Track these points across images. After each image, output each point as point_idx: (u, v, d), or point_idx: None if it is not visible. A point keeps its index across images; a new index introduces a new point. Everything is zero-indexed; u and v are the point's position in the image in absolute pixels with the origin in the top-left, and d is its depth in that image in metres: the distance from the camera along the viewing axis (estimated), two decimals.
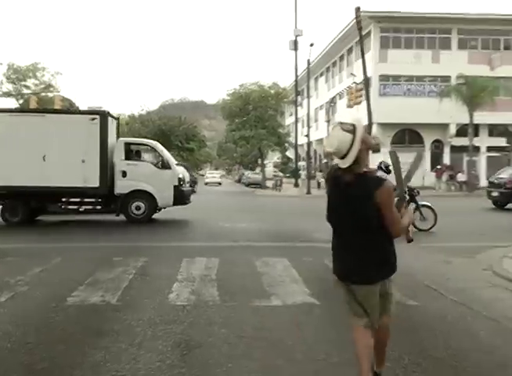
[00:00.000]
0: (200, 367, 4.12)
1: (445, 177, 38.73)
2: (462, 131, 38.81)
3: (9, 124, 14.80)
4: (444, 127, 40.64)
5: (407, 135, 41.68)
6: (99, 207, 15.79)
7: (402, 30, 41.05)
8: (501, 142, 41.17)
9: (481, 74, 36.46)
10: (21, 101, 48.23)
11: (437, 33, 41.30)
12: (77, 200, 15.58)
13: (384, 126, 39.79)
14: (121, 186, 15.53)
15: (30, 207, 15.27)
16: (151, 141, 18.06)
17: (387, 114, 38.65)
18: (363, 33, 41.83)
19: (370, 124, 30.50)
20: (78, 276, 7.44)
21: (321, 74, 56.33)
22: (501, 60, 40.91)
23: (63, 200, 15.38)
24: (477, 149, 39.74)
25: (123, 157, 15.77)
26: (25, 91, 48.56)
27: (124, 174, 15.59)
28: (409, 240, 3.84)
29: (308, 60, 35.41)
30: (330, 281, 7.20)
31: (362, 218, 3.32)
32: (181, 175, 16.12)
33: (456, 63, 39.34)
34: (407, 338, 5.05)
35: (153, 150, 16.83)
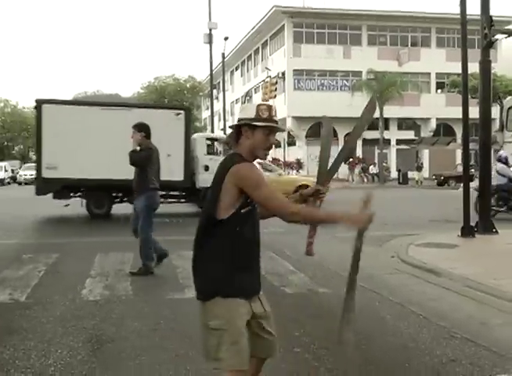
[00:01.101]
0: (112, 361, 4.11)
1: (357, 169, 40.06)
2: (373, 124, 40.21)
3: (98, 117, 14.77)
4: (356, 120, 41.85)
5: (321, 129, 42.68)
6: (182, 199, 16.63)
7: (314, 26, 41.95)
8: (409, 135, 43.08)
9: (390, 70, 37.99)
10: None
11: (348, 29, 42.56)
12: (163, 193, 15.19)
13: (298, 119, 40.60)
14: (203, 180, 15.56)
15: (114, 200, 15.60)
16: None
17: (302, 108, 39.46)
18: (277, 27, 42.59)
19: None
20: None
21: (236, 68, 56.63)
22: (408, 56, 42.77)
23: None
24: (387, 142, 41.35)
25: (205, 152, 16.54)
26: None
27: (207, 168, 15.94)
28: (308, 253, 3.18)
29: (223, 54, 35.46)
30: None
31: None
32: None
33: (366, 58, 40.71)
34: (316, 324, 5.26)
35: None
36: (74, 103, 20.00)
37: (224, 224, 2.62)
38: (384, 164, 38.97)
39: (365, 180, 39.28)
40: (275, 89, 34.32)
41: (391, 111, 38.09)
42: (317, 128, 42.09)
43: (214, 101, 42.57)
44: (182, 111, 15.99)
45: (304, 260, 8.50)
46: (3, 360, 4.15)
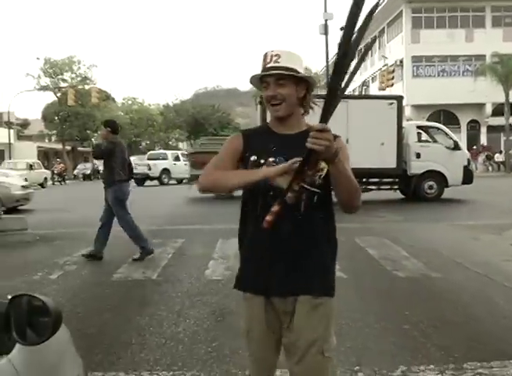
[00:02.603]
0: (233, 331, 4.53)
1: (481, 158, 38.33)
2: (498, 110, 38.26)
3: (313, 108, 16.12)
4: (480, 107, 40.08)
5: (442, 116, 41.18)
6: (395, 186, 17.10)
7: (434, 10, 40.53)
8: None
9: None
10: (59, 94, 49.43)
11: (470, 11, 40.65)
12: (377, 180, 16.65)
13: (418, 108, 39.51)
14: (415, 167, 16.63)
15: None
16: (438, 124, 19.84)
17: (422, 96, 38.37)
18: (395, 14, 41.64)
19: None
20: (121, 256, 7.96)
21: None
22: None
23: (364, 180, 16.18)
24: None
25: (416, 140, 17.11)
26: (62, 84, 49.72)
27: (418, 155, 16.67)
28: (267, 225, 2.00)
29: (339, 44, 35.30)
30: (359, 259, 7.61)
31: None
32: (469, 156, 17.75)
33: (490, 41, 38.69)
34: (427, 305, 5.39)
35: (442, 131, 17.89)
36: None
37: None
38: (511, 152, 36.98)
39: (491, 169, 37.52)
40: (393, 78, 33.66)
41: None
42: (438, 116, 40.76)
43: None
44: (394, 100, 16.36)
45: (417, 246, 8.61)
46: (140, 327, 4.74)
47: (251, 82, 2.30)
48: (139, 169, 29.10)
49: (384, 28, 44.84)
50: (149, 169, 30.86)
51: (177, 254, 8.23)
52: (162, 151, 38.88)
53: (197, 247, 8.88)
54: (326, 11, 31.89)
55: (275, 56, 2.20)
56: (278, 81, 2.18)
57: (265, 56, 2.23)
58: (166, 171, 30.94)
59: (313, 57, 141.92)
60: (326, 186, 2.18)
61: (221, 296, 5.67)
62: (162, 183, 30.66)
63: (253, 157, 2.24)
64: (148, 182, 31.16)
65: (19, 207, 16.11)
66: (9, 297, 1.59)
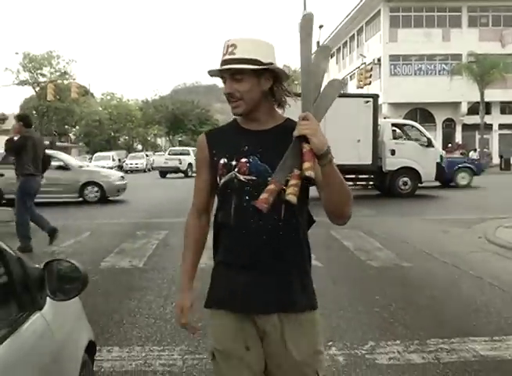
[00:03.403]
0: None
1: (456, 155, 39.11)
2: (474, 109, 39.04)
3: (294, 106, 16.38)
4: (455, 105, 40.82)
5: (419, 114, 41.90)
6: (370, 182, 17.56)
7: (411, 9, 41.15)
8: None
9: (493, 52, 36.58)
10: (38, 89, 49.16)
11: (447, 11, 41.33)
12: (353, 176, 16.80)
13: (395, 106, 40.12)
14: (390, 163, 17.09)
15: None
16: (412, 121, 20.28)
17: (399, 94, 38.98)
18: (373, 13, 42.22)
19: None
20: (107, 247, 8.27)
21: (331, 56, 56.56)
22: None
23: None
24: (489, 127, 39.97)
25: (391, 137, 17.45)
26: (41, 79, 49.47)
27: (393, 152, 17.11)
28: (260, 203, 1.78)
29: (318, 42, 35.76)
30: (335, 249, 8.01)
31: None
32: (443, 153, 18.21)
33: (466, 41, 39.40)
34: (397, 291, 5.82)
35: (416, 129, 18.36)
36: None
37: None
38: (486, 150, 37.81)
39: None
40: (370, 76, 34.22)
41: (493, 95, 36.84)
42: (414, 114, 41.45)
43: None
44: (370, 99, 16.75)
45: (390, 238, 9.05)
46: (130, 309, 5.10)
47: (212, 76, 2.05)
48: (170, 163, 33.93)
49: (362, 27, 45.39)
50: (180, 163, 34.03)
51: (161, 245, 8.55)
52: (184, 148, 41.40)
53: (180, 238, 9.19)
54: (305, 9, 32.34)
55: (231, 46, 1.92)
56: (234, 76, 1.92)
57: (224, 46, 1.95)
58: (190, 165, 33.61)
59: (293, 55, 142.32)
60: (307, 190, 1.98)
61: (205, 282, 5.99)
62: (187, 176, 33.00)
63: (222, 160, 1.99)
64: (172, 175, 33.77)
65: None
66: (44, 262, 1.93)
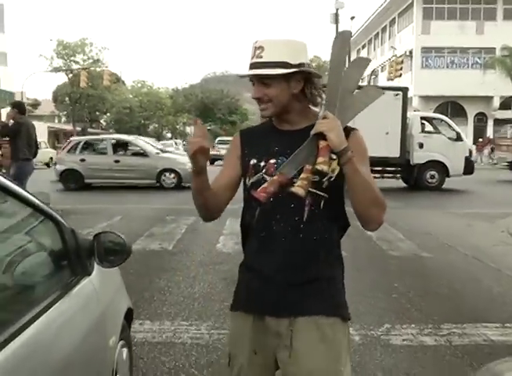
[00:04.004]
0: None
1: (487, 150, 38.74)
2: (506, 103, 38.58)
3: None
4: (487, 99, 40.36)
5: (450, 108, 41.52)
6: (398, 175, 17.65)
7: (445, 1, 40.70)
8: None
9: None
10: (70, 76, 50.01)
11: (482, 3, 40.78)
12: (380, 168, 17.12)
13: (426, 98, 39.85)
14: (418, 157, 17.22)
15: None
16: (441, 115, 20.15)
17: (430, 87, 38.70)
18: (406, 4, 41.87)
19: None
20: (138, 231, 8.61)
21: (363, 47, 56.25)
22: None
23: None
24: None
25: (420, 130, 17.51)
26: (74, 66, 50.28)
27: (421, 145, 17.23)
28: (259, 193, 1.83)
29: (350, 32, 35.67)
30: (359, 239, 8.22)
31: None
32: (471, 147, 18.29)
33: (501, 34, 38.77)
34: (415, 280, 6.02)
35: (445, 122, 18.46)
36: None
37: None
38: None
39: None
40: (401, 68, 34.02)
41: None
42: (445, 107, 41.09)
43: None
44: (399, 92, 16.80)
45: (413, 230, 9.22)
46: (160, 288, 5.42)
47: (241, 78, 2.01)
48: (222, 152, 34.25)
49: (394, 18, 45.05)
50: None
51: (189, 230, 8.88)
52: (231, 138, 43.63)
53: (208, 224, 9.49)
54: (337, 0, 32.28)
55: (259, 48, 1.87)
56: (262, 81, 1.88)
57: (253, 49, 1.90)
58: None
59: (324, 46, 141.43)
60: (337, 192, 1.93)
61: (232, 265, 6.30)
62: None
63: (252, 161, 1.98)
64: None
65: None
66: (94, 234, 2.22)
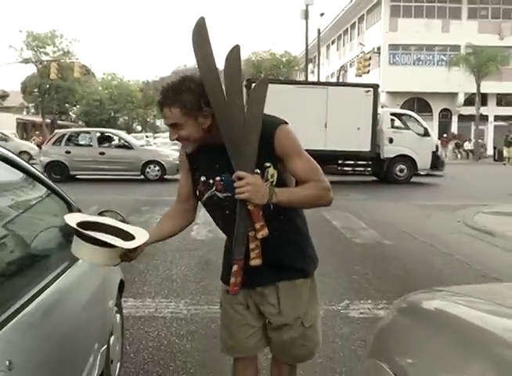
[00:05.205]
0: (216, 275, 5.64)
1: (451, 145, 39.81)
2: (470, 100, 39.63)
3: (296, 94, 16.68)
4: (452, 96, 41.39)
5: (416, 104, 42.45)
6: (368, 169, 18.19)
7: None
8: (509, 111, 42.03)
9: (491, 44, 37.10)
10: (40, 67, 49.56)
11: (447, 2, 41.77)
12: (351, 162, 17.74)
13: (393, 94, 40.70)
14: (388, 151, 17.94)
15: None
16: (410, 112, 21.06)
17: (397, 83, 39.53)
18: (374, 1, 42.63)
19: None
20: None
21: (332, 42, 56.94)
22: (511, 30, 41.47)
23: (339, 162, 17.50)
24: (485, 118, 40.61)
25: (389, 126, 18.22)
26: (44, 57, 49.82)
27: (391, 140, 17.97)
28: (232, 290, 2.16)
29: (319, 30, 36.28)
30: (324, 228, 8.74)
31: None
32: (437, 142, 18.93)
33: (465, 32, 39.86)
34: (375, 264, 6.57)
35: (413, 118, 19.03)
36: (276, 81, 21.57)
37: None
38: (480, 141, 38.52)
39: (459, 156, 39.04)
40: (369, 65, 34.77)
41: (490, 86, 37.46)
42: (412, 103, 42.02)
43: (310, 75, 43.56)
44: (370, 88, 17.50)
45: (376, 220, 9.79)
46: (140, 270, 5.87)
47: None
48: None
49: (363, 15, 45.83)
50: None
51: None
52: None
53: None
54: None
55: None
56: (173, 125, 2.07)
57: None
58: None
59: (293, 41, 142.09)
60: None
61: (205, 251, 6.79)
62: None
63: (202, 178, 2.19)
64: None
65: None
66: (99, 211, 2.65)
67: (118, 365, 3.15)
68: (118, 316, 3.19)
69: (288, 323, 2.28)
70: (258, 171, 2.02)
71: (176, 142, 2.15)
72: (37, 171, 2.41)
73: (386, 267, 6.40)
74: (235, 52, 1.96)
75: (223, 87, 1.95)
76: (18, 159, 2.23)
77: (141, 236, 2.04)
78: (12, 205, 2.34)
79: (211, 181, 2.14)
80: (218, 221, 2.28)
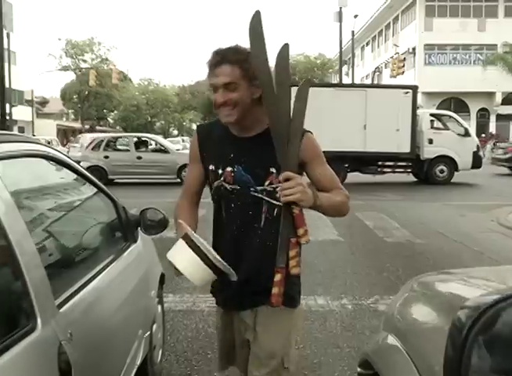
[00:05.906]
0: None
1: (489, 145, 39.28)
2: (508, 99, 39.09)
3: (335, 96, 17.08)
4: (490, 95, 40.84)
5: (453, 104, 41.99)
6: (408, 170, 18.39)
7: None
8: None
9: None
10: (79, 74, 50.86)
11: (483, 1, 41.29)
12: (391, 163, 18.05)
13: (429, 95, 40.36)
14: (428, 152, 17.95)
15: (348, 170, 17.33)
16: (450, 112, 21.02)
17: (433, 83, 39.18)
18: (409, 1, 42.41)
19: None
20: None
21: (367, 44, 56.76)
22: None
23: (379, 163, 17.84)
24: None
25: (429, 126, 18.27)
26: (83, 65, 51.12)
27: (431, 141, 17.97)
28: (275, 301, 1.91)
29: (353, 31, 36.27)
30: (356, 228, 8.92)
31: None
32: (478, 142, 18.91)
33: (502, 31, 39.28)
34: (406, 261, 6.73)
35: (454, 119, 19.14)
36: (315, 84, 21.76)
37: None
38: None
39: None
40: (403, 66, 34.61)
41: None
42: (448, 103, 41.60)
43: (344, 77, 43.54)
44: (409, 90, 17.55)
45: (409, 220, 9.91)
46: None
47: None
48: None
49: (398, 15, 45.61)
50: None
51: (200, 220, 9.54)
52: None
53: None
54: None
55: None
56: (227, 85, 1.96)
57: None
58: None
59: (327, 44, 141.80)
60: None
61: None
62: None
63: (211, 167, 2.12)
64: None
65: None
66: (141, 209, 2.92)
67: (160, 351, 3.43)
68: (159, 306, 3.47)
69: (260, 354, 2.13)
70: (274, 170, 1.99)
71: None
72: (88, 173, 2.69)
73: (416, 265, 6.54)
74: (285, 49, 1.96)
75: (274, 84, 1.93)
76: (72, 162, 2.52)
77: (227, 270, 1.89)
78: (68, 203, 2.64)
79: (220, 171, 2.08)
80: (222, 213, 2.15)
